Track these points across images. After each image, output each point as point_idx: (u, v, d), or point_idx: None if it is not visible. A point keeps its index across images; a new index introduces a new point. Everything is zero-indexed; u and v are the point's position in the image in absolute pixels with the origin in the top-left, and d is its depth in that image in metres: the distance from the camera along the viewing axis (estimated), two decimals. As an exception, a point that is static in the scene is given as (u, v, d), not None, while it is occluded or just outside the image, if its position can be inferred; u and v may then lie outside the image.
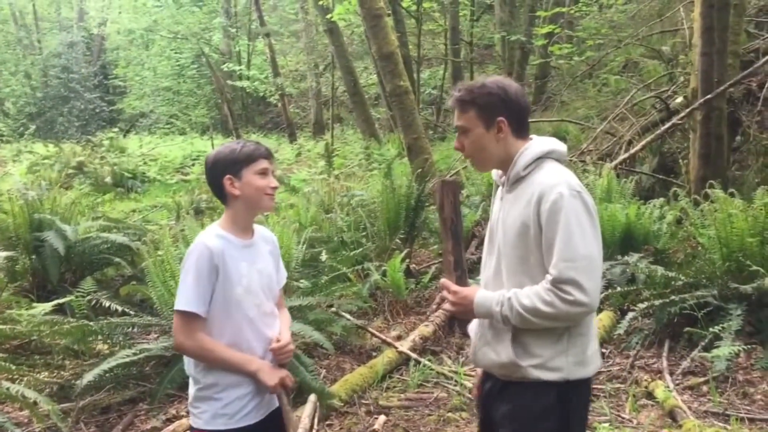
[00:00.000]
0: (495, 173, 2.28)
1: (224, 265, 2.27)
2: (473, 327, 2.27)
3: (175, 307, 2.27)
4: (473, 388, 2.92)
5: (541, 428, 2.10)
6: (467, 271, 2.23)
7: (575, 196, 2.00)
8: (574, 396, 2.11)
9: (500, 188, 2.25)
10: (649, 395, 4.23)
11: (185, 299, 2.25)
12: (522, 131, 2.16)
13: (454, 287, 2.17)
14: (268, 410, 2.40)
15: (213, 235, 2.32)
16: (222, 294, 2.28)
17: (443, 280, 2.23)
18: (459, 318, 2.22)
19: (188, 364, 2.37)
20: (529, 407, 2.10)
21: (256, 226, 2.46)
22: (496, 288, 2.14)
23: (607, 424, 3.85)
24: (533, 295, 2.01)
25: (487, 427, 2.32)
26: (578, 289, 1.95)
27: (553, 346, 2.06)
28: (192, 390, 2.36)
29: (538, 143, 2.15)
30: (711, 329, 4.47)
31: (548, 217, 1.99)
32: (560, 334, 2.06)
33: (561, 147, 2.18)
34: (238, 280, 2.30)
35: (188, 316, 2.25)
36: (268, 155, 2.37)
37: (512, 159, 2.13)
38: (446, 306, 2.23)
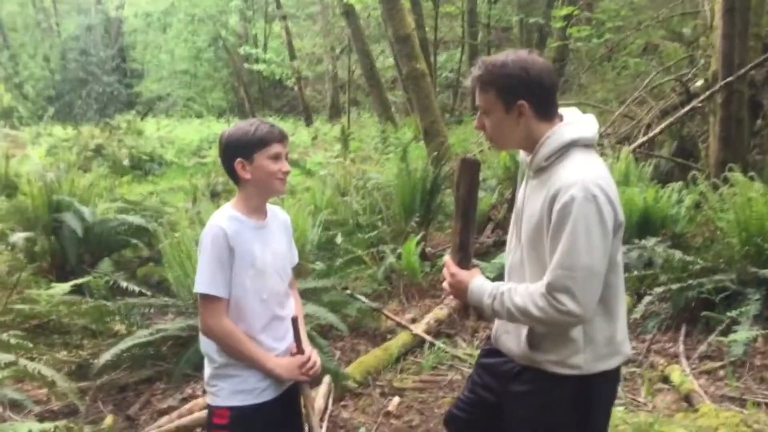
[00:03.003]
0: (522, 154, 2.17)
1: (239, 247, 2.26)
2: None
3: (196, 290, 2.26)
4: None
5: (559, 416, 2.06)
6: (472, 255, 2.18)
7: (590, 200, 1.86)
8: (596, 387, 2.05)
9: (526, 168, 2.14)
10: (665, 379, 4.21)
11: (205, 282, 2.24)
12: (546, 113, 2.02)
13: (453, 268, 2.13)
14: (286, 384, 2.41)
15: (226, 216, 2.30)
16: (237, 276, 2.27)
17: (446, 258, 2.19)
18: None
19: (204, 343, 2.37)
20: (548, 394, 2.06)
21: (269, 206, 2.44)
22: (520, 278, 2.08)
23: (622, 408, 3.83)
24: (527, 295, 1.94)
25: (484, 398, 2.28)
26: (572, 300, 1.87)
27: (568, 345, 2.00)
28: (208, 369, 2.37)
29: (561, 131, 1.99)
30: (728, 314, 4.43)
31: (556, 219, 1.89)
32: (575, 334, 1.99)
33: (588, 133, 2.03)
34: (251, 261, 2.29)
35: (211, 300, 2.25)
36: (282, 138, 2.33)
37: (535, 142, 2.02)
38: (444, 284, 2.19)
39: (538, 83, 1.99)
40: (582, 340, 1.99)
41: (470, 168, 2.16)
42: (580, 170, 1.92)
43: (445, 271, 2.17)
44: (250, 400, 2.32)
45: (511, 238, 2.20)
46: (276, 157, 2.31)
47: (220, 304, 2.26)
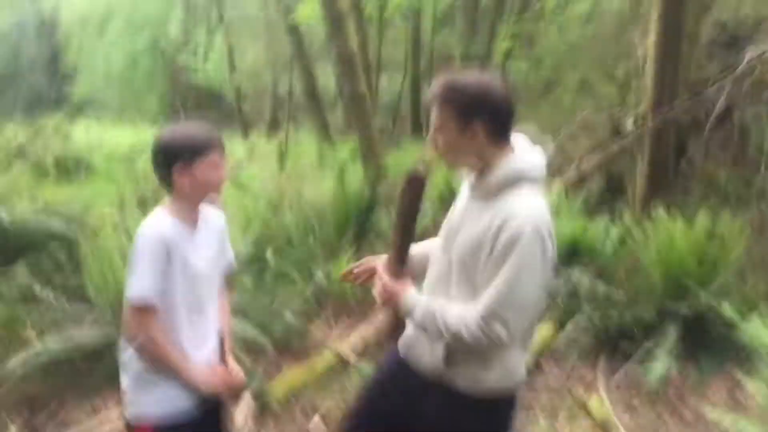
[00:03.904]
0: (466, 171, 2.16)
1: (175, 254, 2.19)
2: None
3: (131, 296, 2.14)
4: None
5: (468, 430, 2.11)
6: (406, 268, 2.19)
7: (536, 239, 1.89)
8: (502, 409, 2.13)
9: (469, 188, 2.14)
10: (584, 407, 4.28)
11: (140, 287, 2.14)
12: (500, 138, 2.00)
13: (385, 279, 2.15)
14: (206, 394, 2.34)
15: (164, 222, 2.22)
16: (169, 282, 2.19)
17: (378, 267, 2.20)
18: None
19: (126, 352, 2.27)
20: (457, 413, 2.09)
21: (202, 211, 2.36)
22: (444, 291, 2.09)
23: (541, 435, 3.88)
24: (460, 319, 1.95)
25: (384, 410, 2.29)
26: (505, 329, 1.91)
27: (481, 362, 2.05)
28: (127, 379, 2.27)
29: (515, 161, 1.99)
30: (647, 345, 4.56)
31: (501, 250, 1.89)
32: (490, 356, 2.04)
33: (538, 168, 2.02)
34: (183, 269, 2.22)
35: (143, 305, 2.15)
36: (222, 145, 2.27)
37: (485, 164, 2.01)
38: (374, 292, 2.19)
39: (497, 107, 1.99)
40: (495, 362, 2.04)
41: (416, 182, 2.14)
42: (530, 205, 1.94)
43: (377, 279, 2.17)
44: (171, 410, 2.24)
45: (439, 249, 2.19)
46: (216, 165, 2.24)
47: (151, 312, 2.17)
